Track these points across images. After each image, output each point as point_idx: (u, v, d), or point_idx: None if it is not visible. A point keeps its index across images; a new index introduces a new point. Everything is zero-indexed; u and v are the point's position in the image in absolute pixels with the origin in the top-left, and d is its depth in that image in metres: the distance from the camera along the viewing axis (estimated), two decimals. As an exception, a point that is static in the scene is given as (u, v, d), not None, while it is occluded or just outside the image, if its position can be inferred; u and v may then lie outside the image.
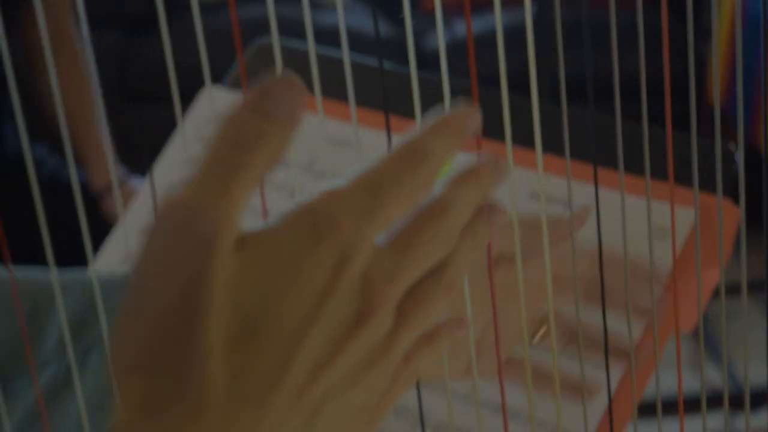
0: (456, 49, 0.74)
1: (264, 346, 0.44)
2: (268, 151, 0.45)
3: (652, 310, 0.69)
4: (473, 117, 0.50)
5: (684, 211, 0.71)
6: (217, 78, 0.85)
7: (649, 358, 0.71)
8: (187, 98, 0.82)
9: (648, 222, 0.67)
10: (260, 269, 0.44)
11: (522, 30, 0.59)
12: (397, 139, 0.48)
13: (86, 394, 0.65)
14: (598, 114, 0.66)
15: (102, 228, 0.82)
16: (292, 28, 0.83)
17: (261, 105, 0.45)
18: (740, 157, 0.65)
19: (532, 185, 0.73)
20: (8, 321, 0.67)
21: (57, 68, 0.65)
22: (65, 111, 0.63)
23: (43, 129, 1.56)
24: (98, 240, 0.83)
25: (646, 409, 0.70)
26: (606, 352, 0.67)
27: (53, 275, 0.63)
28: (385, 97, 0.63)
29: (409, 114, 0.63)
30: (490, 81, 0.65)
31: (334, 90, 0.68)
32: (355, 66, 0.62)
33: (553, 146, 0.66)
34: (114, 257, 0.83)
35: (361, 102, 0.67)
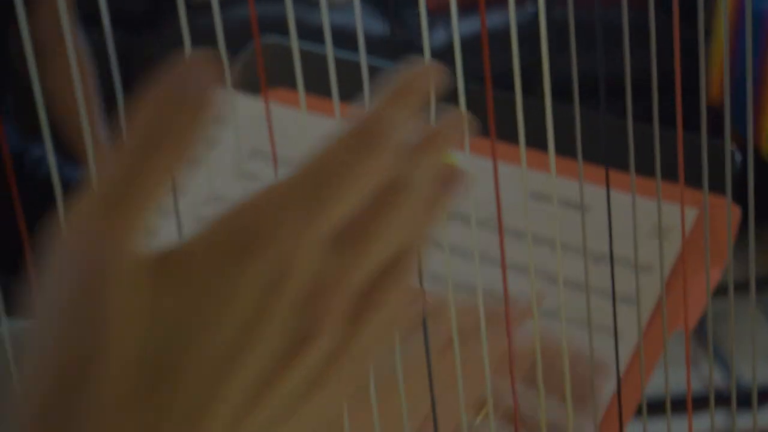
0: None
1: (184, 386, 0.38)
2: (172, 147, 0.38)
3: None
4: (426, 75, 0.44)
5: (686, 211, 0.71)
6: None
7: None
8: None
9: (659, 221, 0.67)
10: (175, 298, 0.38)
11: (522, 29, 0.59)
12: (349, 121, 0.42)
13: None
14: (591, 113, 0.66)
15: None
16: (296, 28, 0.82)
17: (157, 93, 0.39)
18: (750, 159, 0.65)
19: (534, 185, 0.73)
20: None
21: (57, 68, 0.65)
22: (65, 111, 0.63)
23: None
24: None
25: (639, 409, 0.70)
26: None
27: None
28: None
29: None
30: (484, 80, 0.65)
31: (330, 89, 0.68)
32: (355, 65, 0.62)
33: (557, 145, 0.66)
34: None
35: (361, 101, 0.67)
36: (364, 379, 0.44)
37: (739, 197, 0.68)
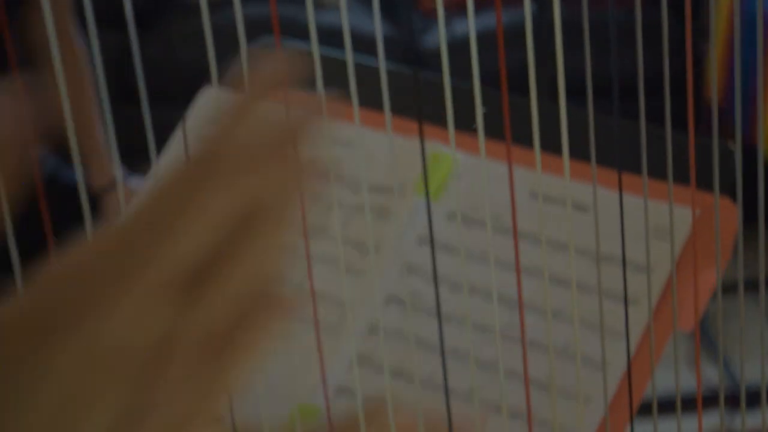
0: (456, 49, 0.74)
1: None
2: None
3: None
4: (278, 68, 0.38)
5: (683, 210, 0.71)
6: (218, 77, 0.85)
7: None
8: (188, 98, 0.82)
9: (669, 221, 0.67)
10: None
11: (520, 29, 0.59)
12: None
13: None
14: (586, 112, 0.66)
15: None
16: (292, 28, 0.83)
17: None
18: (737, 157, 0.66)
19: (534, 186, 0.73)
20: None
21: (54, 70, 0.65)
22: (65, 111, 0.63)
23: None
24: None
25: (641, 409, 0.70)
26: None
27: None
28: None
29: (410, 114, 0.63)
30: (487, 80, 0.65)
31: (335, 91, 0.68)
32: (354, 66, 0.62)
33: (552, 145, 0.66)
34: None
35: (363, 102, 0.67)
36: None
37: (736, 196, 0.68)
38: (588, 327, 0.70)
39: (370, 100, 0.69)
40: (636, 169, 0.66)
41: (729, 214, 0.71)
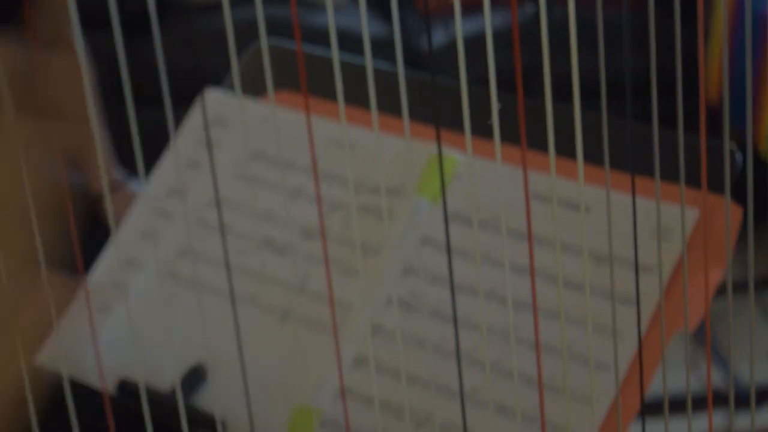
0: (454, 49, 0.74)
1: None
2: None
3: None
4: None
5: (688, 211, 0.71)
6: (217, 79, 0.85)
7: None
8: (187, 100, 0.82)
9: (658, 222, 0.67)
10: None
11: (521, 30, 0.59)
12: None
13: None
14: (592, 113, 0.66)
15: (101, 231, 0.82)
16: (291, 29, 0.82)
17: None
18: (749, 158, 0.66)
19: (534, 186, 0.73)
20: None
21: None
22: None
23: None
24: (98, 242, 0.83)
25: (645, 409, 0.70)
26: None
27: None
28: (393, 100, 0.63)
29: (413, 115, 0.63)
30: (485, 81, 0.65)
31: (332, 91, 0.68)
32: (354, 67, 0.62)
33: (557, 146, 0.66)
34: (112, 261, 0.83)
35: (362, 102, 0.67)
36: None
37: (740, 197, 0.68)
38: (584, 328, 0.70)
39: (367, 100, 0.69)
40: (629, 169, 0.66)
41: (733, 215, 0.71)
